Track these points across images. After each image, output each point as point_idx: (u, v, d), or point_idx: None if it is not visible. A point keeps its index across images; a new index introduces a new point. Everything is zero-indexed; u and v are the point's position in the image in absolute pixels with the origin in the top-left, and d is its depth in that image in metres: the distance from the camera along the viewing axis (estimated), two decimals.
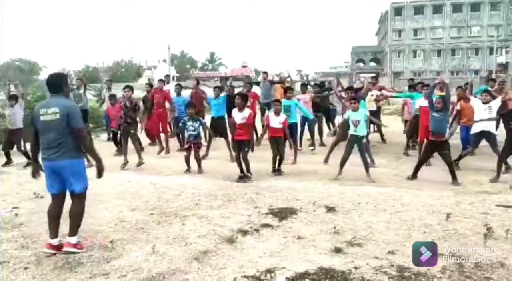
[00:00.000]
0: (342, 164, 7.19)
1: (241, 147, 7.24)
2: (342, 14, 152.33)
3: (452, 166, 6.90)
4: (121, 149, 9.54)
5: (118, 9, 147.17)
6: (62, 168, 3.94)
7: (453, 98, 8.99)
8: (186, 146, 8.16)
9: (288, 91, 8.90)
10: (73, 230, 4.03)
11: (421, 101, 8.46)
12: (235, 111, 7.49)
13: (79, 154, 4.04)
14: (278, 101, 8.13)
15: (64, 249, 3.95)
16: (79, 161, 4.04)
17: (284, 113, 8.32)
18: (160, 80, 11.18)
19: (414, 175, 7.08)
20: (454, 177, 6.78)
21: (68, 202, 4.13)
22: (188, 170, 7.89)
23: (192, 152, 7.93)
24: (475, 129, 7.79)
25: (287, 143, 7.94)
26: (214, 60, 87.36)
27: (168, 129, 10.84)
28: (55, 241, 4.01)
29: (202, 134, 8.12)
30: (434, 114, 6.93)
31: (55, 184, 4.03)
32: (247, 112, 7.44)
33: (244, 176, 7.12)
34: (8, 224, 4.85)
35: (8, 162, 8.91)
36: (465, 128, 8.97)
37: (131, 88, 8.75)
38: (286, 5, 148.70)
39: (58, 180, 4.02)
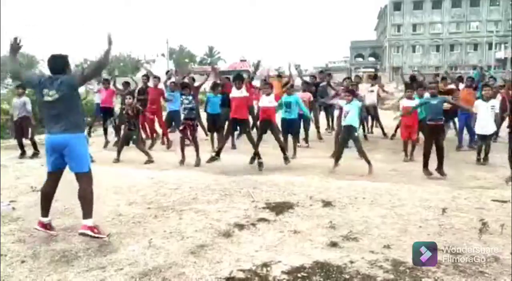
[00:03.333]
0: (336, 156, 7.22)
1: (240, 127, 7.11)
2: (341, 8, 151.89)
3: (442, 152, 6.84)
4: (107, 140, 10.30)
5: (116, 3, 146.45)
6: (63, 143, 3.97)
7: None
8: (181, 127, 7.91)
9: (287, 85, 8.72)
10: (86, 213, 4.01)
11: (404, 102, 8.64)
12: (233, 89, 7.47)
13: (80, 130, 4.11)
14: (269, 83, 8.03)
15: (79, 231, 3.95)
16: (80, 137, 4.08)
17: (284, 108, 8.29)
18: (155, 77, 11.10)
19: (425, 168, 6.88)
20: (440, 165, 6.79)
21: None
22: (182, 161, 7.63)
23: (188, 132, 7.65)
24: (480, 130, 7.92)
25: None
26: (213, 55, 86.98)
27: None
28: (45, 220, 4.13)
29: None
30: (432, 101, 6.96)
31: (53, 160, 4.08)
32: (244, 89, 7.37)
33: (255, 157, 7.25)
34: (6, 218, 4.86)
35: (23, 153, 8.96)
36: (464, 117, 9.08)
37: (133, 96, 8.80)
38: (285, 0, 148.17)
39: (57, 156, 4.05)
